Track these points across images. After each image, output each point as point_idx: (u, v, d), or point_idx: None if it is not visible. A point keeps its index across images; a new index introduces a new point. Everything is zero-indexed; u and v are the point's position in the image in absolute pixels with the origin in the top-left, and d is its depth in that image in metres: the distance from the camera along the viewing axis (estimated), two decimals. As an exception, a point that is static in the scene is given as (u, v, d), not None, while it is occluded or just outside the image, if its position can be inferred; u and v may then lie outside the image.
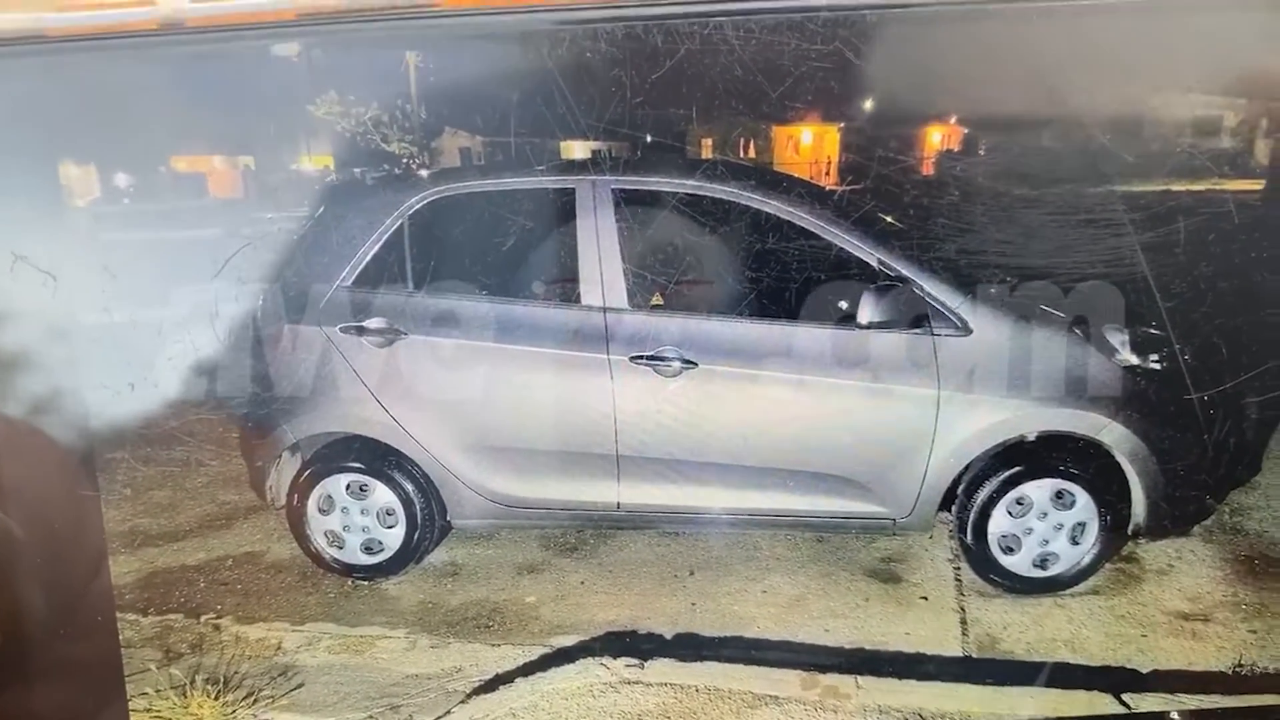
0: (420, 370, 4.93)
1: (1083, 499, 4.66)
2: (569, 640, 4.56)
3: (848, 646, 4.47)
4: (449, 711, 4.02)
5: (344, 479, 5.05)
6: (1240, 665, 4.20)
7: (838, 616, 4.69)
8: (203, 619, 4.84)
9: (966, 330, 4.60)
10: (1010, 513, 4.71)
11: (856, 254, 4.69)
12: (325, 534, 5.09)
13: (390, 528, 5.07)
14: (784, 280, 4.84)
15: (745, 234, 4.94)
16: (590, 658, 4.34)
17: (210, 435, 6.47)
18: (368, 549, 5.10)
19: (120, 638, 4.04)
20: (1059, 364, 4.60)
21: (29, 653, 3.00)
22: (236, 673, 4.33)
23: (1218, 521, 5.41)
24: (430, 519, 5.08)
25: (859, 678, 4.14)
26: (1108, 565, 4.92)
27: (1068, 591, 4.79)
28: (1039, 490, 4.70)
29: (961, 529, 4.80)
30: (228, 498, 6.27)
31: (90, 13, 2.66)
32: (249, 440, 5.30)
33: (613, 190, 4.83)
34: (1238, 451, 4.70)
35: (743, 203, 4.81)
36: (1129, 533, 4.76)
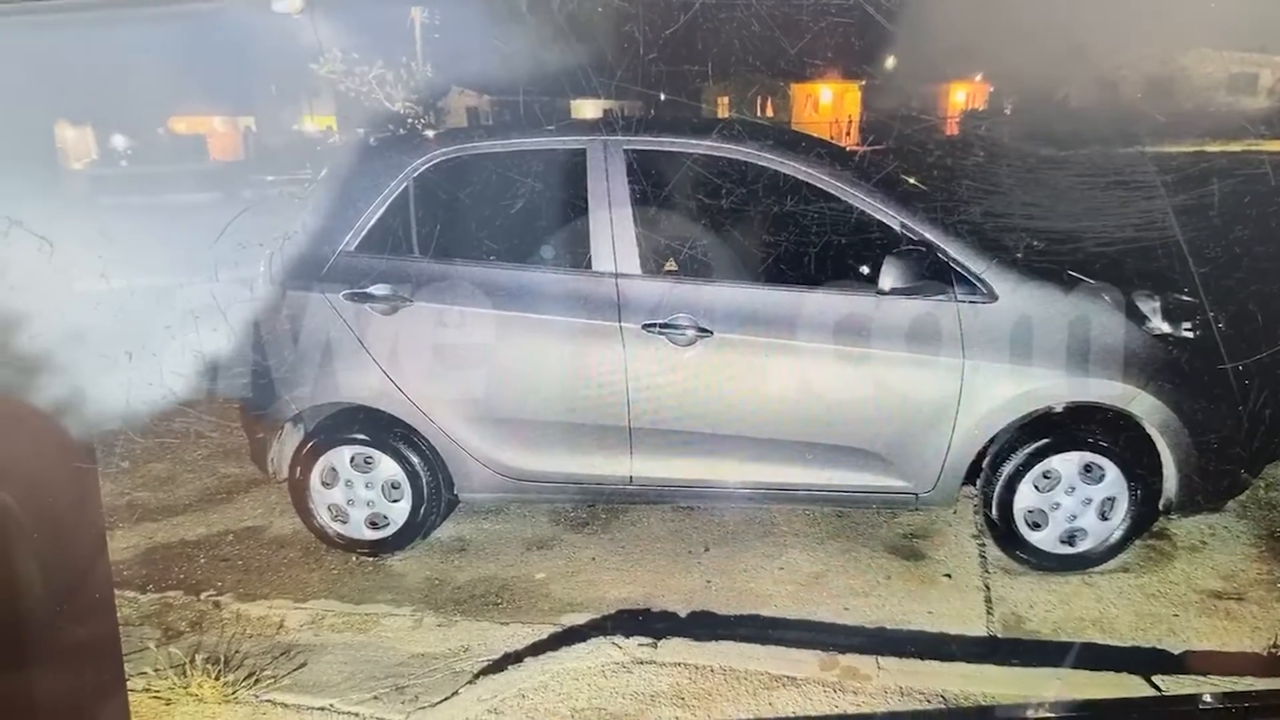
0: (426, 338, 4.81)
1: (1112, 473, 4.53)
2: (580, 619, 4.46)
3: (868, 626, 4.36)
4: (456, 692, 3.93)
5: (348, 451, 4.93)
6: (1276, 646, 4.09)
7: (858, 595, 4.58)
8: (203, 596, 4.75)
9: (992, 297, 4.46)
10: (1037, 487, 4.58)
11: (878, 217, 4.55)
12: (329, 508, 4.98)
13: (395, 502, 4.95)
14: (802, 245, 4.70)
15: (762, 196, 4.78)
16: (602, 637, 4.24)
17: (210, 406, 6.37)
18: (372, 524, 4.99)
19: (118, 615, 3.95)
20: (1088, 332, 4.46)
21: (25, 631, 2.91)
22: (237, 652, 4.23)
23: (1252, 496, 5.27)
24: (436, 493, 4.97)
25: (880, 658, 4.03)
26: (1138, 542, 4.79)
27: (1096, 569, 4.67)
28: (1067, 463, 4.56)
29: (986, 504, 4.68)
30: (228, 471, 6.18)
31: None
32: (250, 411, 5.18)
33: (625, 151, 4.69)
34: (1273, 423, 4.56)
35: (760, 164, 4.67)
36: (1160, 508, 4.62)
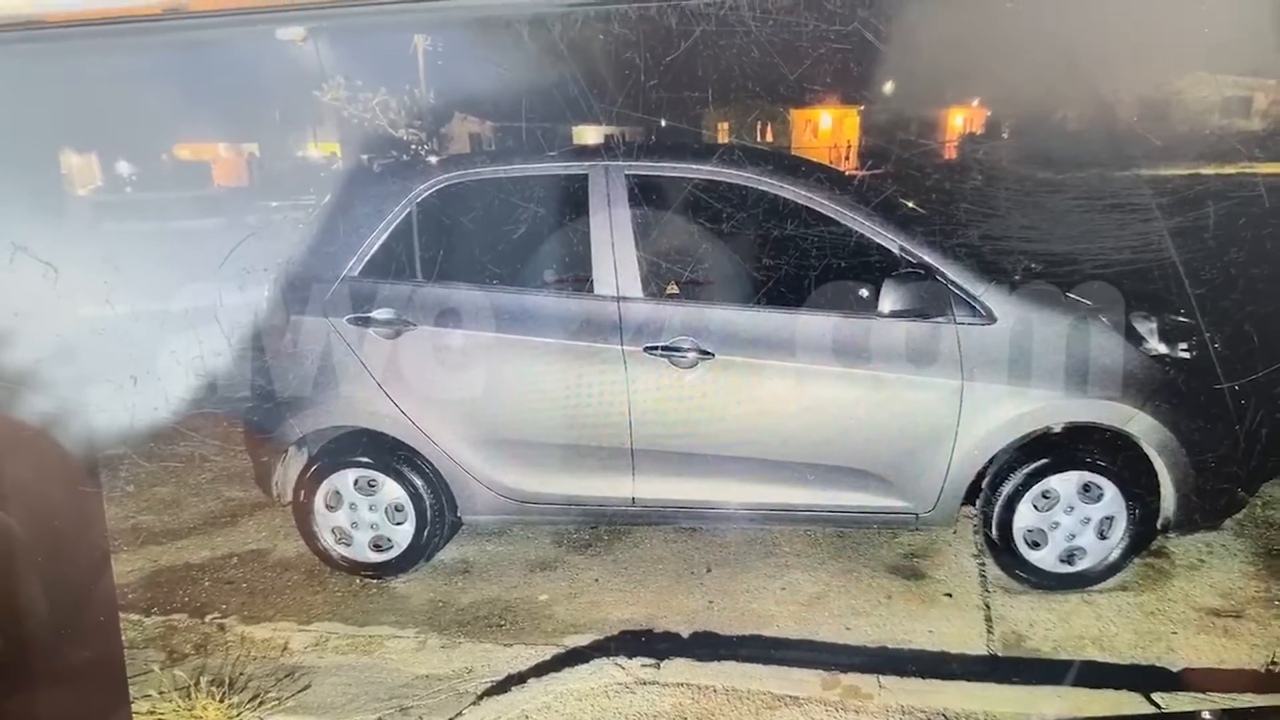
0: (429, 362, 4.83)
1: (1110, 492, 4.55)
2: (583, 639, 4.47)
3: (869, 645, 4.37)
4: (460, 713, 3.95)
5: (352, 474, 4.96)
6: (1274, 663, 4.10)
7: (859, 614, 4.59)
8: (207, 619, 4.76)
9: (990, 319, 4.49)
10: (1036, 506, 4.60)
11: (877, 240, 4.58)
12: (333, 531, 5.00)
13: (399, 524, 4.97)
14: (802, 268, 4.73)
15: (763, 220, 4.81)
16: (605, 657, 4.26)
17: (214, 430, 6.39)
18: (376, 546, 5.00)
19: (123, 638, 3.97)
20: (1085, 353, 4.48)
21: (31, 655, 2.93)
22: (242, 674, 4.25)
23: (1250, 515, 5.28)
24: (440, 515, 4.98)
25: (881, 677, 4.06)
26: (1136, 560, 4.79)
27: (1095, 587, 4.68)
28: (1065, 483, 4.59)
29: (986, 523, 4.70)
30: (232, 494, 6.19)
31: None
32: (254, 435, 5.20)
33: (626, 176, 4.72)
34: (1270, 442, 4.58)
35: (760, 188, 4.70)
36: (1158, 527, 4.64)
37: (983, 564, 4.98)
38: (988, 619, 4.53)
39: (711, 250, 5.04)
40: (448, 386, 4.83)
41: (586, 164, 4.81)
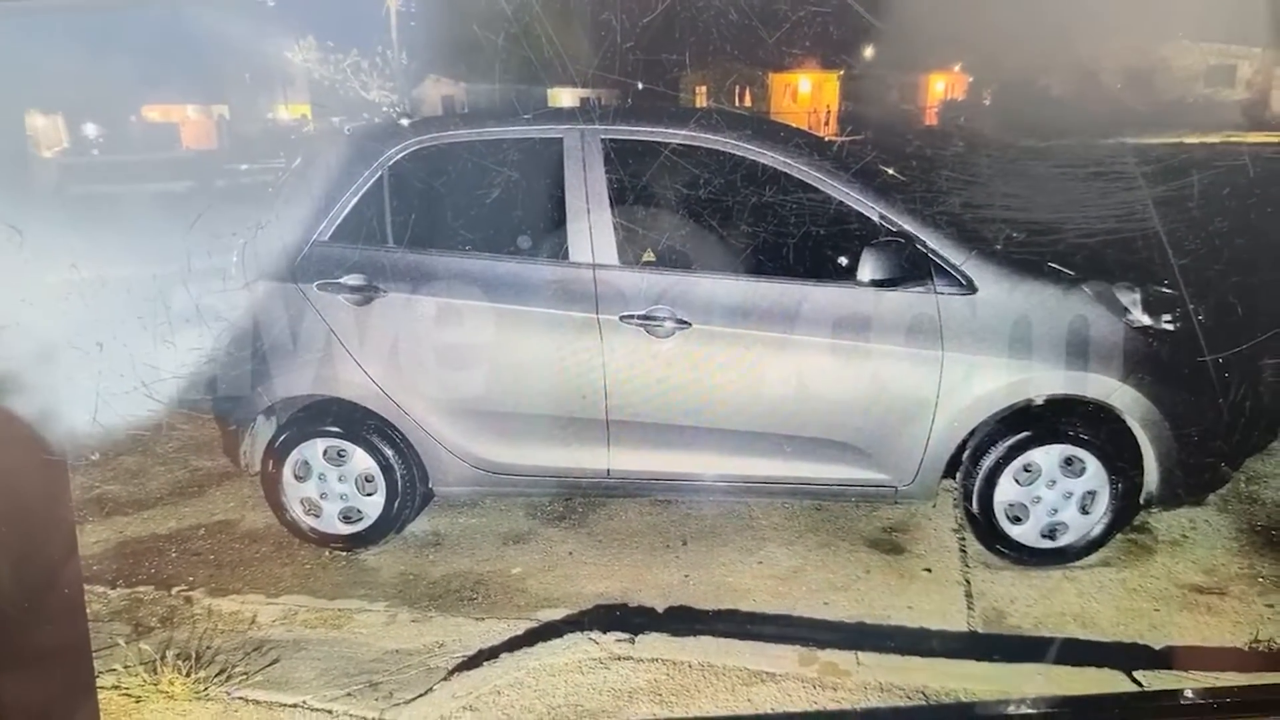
0: (400, 329, 4.74)
1: (1093, 466, 4.50)
2: (556, 614, 4.42)
3: (847, 621, 4.32)
4: (431, 689, 3.88)
5: (321, 444, 4.87)
6: (1257, 641, 4.06)
7: (837, 589, 4.54)
8: (174, 591, 4.68)
9: (971, 288, 4.42)
10: (1017, 480, 4.55)
11: (857, 208, 4.50)
12: (302, 502, 4.92)
13: (369, 495, 4.89)
14: (781, 235, 4.65)
15: (741, 187, 4.73)
16: (579, 632, 4.17)
17: (181, 398, 6.30)
18: (346, 518, 4.92)
19: (87, 611, 3.88)
20: (1068, 324, 4.42)
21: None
22: (209, 648, 4.17)
23: (1234, 490, 5.27)
24: (411, 486, 4.91)
25: (859, 654, 3.98)
26: (1119, 536, 4.76)
27: (1077, 563, 4.64)
28: (1047, 457, 4.53)
29: (966, 497, 4.64)
30: (200, 463, 6.11)
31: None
32: (222, 403, 5.11)
33: (602, 140, 4.63)
34: (1254, 416, 4.55)
35: (738, 154, 4.62)
36: (1141, 502, 4.60)
37: (963, 539, 4.95)
38: (968, 595, 4.49)
39: (689, 217, 4.95)
40: (419, 354, 4.75)
41: (561, 127, 4.71)
